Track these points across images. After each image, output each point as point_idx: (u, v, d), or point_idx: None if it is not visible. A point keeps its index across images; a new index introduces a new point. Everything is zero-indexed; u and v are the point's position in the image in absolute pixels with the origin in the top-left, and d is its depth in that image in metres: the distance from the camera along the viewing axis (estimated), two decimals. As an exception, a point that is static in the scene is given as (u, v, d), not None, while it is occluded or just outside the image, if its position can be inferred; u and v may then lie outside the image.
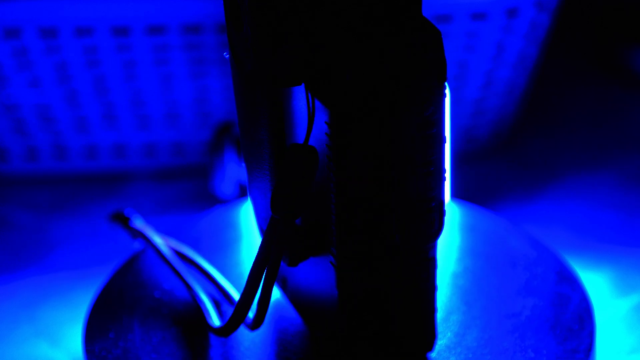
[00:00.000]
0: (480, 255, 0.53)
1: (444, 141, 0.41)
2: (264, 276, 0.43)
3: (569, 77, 0.82)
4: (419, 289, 0.44)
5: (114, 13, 0.64)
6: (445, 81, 0.40)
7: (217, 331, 0.46)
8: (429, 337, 0.45)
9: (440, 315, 0.48)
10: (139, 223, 0.55)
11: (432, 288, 0.44)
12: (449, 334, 0.48)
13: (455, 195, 0.61)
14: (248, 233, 0.56)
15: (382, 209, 0.41)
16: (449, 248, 0.54)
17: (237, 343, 0.48)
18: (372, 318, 0.44)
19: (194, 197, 0.68)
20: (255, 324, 0.44)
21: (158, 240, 0.54)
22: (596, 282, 0.59)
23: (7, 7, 0.63)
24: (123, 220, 0.56)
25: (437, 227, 0.42)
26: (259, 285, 0.43)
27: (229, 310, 0.49)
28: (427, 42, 0.39)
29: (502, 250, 0.54)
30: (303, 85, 0.41)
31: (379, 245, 0.42)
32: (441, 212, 0.42)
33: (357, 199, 0.41)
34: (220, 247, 0.55)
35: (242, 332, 0.48)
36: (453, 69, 0.67)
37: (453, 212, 0.58)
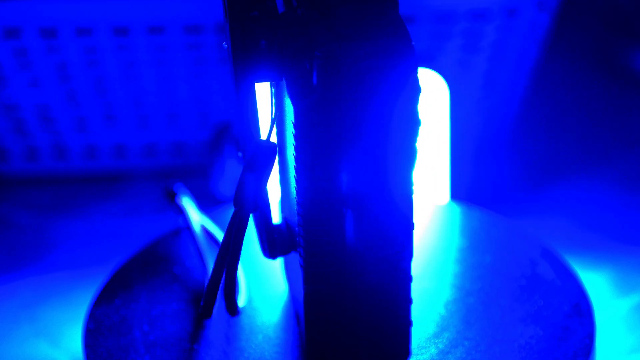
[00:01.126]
0: (503, 275, 0.52)
1: (415, 152, 0.40)
2: (226, 265, 0.44)
3: (569, 77, 0.82)
4: (388, 301, 0.43)
5: (114, 13, 0.64)
6: (420, 91, 0.39)
7: (199, 315, 0.48)
8: (402, 351, 0.44)
9: (433, 330, 0.48)
10: (183, 200, 0.56)
11: (404, 301, 0.43)
12: (433, 349, 0.47)
13: (455, 195, 0.61)
14: (247, 233, 0.56)
15: (343, 213, 0.41)
16: (470, 263, 0.53)
17: (226, 328, 0.49)
18: (338, 326, 0.43)
19: (194, 197, 0.68)
20: (230, 311, 0.45)
21: (195, 218, 0.55)
22: (596, 282, 0.59)
23: (7, 7, 0.63)
24: (170, 196, 0.57)
25: (402, 238, 0.41)
26: (222, 273, 0.44)
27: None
28: (398, 48, 0.39)
29: (527, 273, 0.52)
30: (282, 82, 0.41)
31: (343, 250, 0.42)
32: (408, 224, 0.41)
33: (317, 200, 0.41)
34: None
35: (229, 319, 0.49)
36: (453, 68, 0.67)
37: (461, 217, 0.57)
